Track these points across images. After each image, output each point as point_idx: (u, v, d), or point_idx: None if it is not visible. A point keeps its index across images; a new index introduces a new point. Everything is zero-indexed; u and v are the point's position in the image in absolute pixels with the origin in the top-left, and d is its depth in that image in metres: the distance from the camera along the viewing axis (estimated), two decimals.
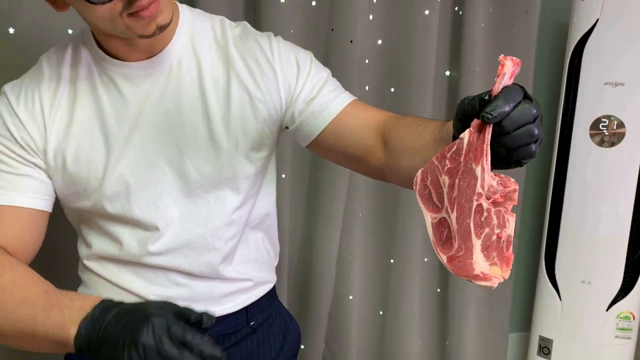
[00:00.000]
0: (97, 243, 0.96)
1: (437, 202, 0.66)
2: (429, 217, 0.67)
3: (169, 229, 0.94)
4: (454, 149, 0.65)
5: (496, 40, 1.82)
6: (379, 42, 1.71)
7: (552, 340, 1.89)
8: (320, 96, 0.94)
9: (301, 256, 1.77)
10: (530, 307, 2.02)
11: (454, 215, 0.64)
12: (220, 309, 0.98)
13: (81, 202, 0.93)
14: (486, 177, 0.63)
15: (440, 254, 0.65)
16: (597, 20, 1.69)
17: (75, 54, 0.91)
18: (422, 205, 0.68)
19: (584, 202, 1.79)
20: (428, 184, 0.68)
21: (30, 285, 0.78)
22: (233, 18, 1.53)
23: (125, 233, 0.94)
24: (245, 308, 1.02)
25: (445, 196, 0.65)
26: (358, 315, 1.84)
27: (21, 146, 0.87)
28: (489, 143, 0.61)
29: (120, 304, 0.70)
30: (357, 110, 0.95)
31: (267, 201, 1.05)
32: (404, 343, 1.87)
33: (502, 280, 0.62)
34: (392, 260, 1.84)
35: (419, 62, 1.70)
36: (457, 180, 0.64)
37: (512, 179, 0.65)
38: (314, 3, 1.61)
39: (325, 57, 1.64)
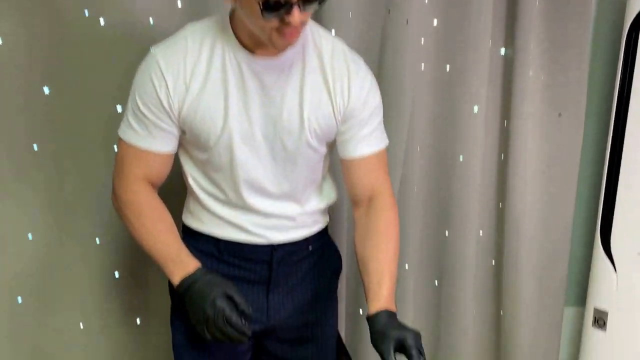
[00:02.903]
0: (204, 185, 1.27)
1: None
2: None
3: (258, 183, 1.23)
4: None
5: (552, 17, 1.83)
6: (434, 22, 1.76)
7: (607, 312, 1.90)
8: (358, 135, 1.23)
9: None
10: (585, 281, 2.03)
11: None
12: (290, 237, 1.32)
13: (199, 154, 1.22)
14: None
15: None
16: None
17: (215, 37, 1.15)
18: None
19: (638, 176, 1.80)
20: None
21: (165, 232, 1.23)
22: None
23: (226, 184, 1.24)
24: (306, 239, 1.35)
25: None
26: (414, 285, 1.92)
27: (164, 108, 1.16)
28: None
29: (204, 277, 1.17)
30: (368, 165, 1.26)
31: (323, 175, 1.35)
32: (459, 311, 1.95)
33: None
34: (447, 233, 1.92)
35: (474, 41, 1.75)
36: None
37: None
38: None
39: (382, 38, 1.71)
